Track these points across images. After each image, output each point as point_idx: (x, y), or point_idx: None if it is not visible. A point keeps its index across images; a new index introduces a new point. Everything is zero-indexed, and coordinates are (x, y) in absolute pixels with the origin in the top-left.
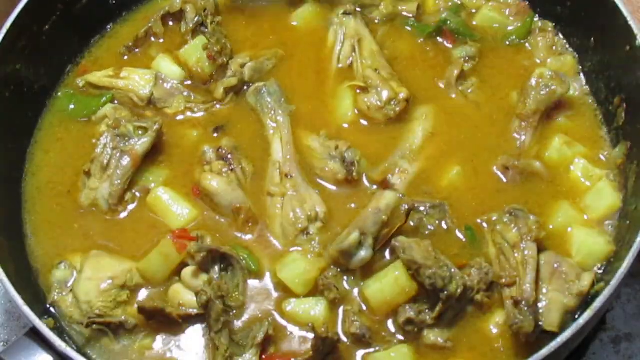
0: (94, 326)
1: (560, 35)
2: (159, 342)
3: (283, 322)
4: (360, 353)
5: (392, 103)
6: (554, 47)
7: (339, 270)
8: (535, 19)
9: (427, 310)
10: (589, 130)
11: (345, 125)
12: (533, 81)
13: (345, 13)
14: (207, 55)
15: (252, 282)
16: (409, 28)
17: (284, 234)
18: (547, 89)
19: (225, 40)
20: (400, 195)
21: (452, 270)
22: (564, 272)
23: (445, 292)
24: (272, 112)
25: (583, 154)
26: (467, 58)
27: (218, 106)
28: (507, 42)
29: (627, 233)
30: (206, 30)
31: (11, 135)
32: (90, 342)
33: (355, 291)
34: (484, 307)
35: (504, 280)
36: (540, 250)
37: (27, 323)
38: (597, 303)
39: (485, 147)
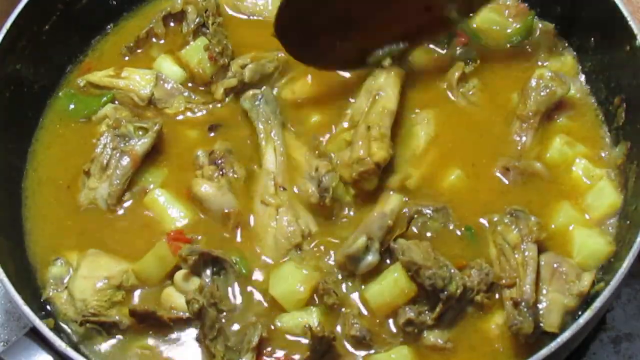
0: (88, 325)
1: (560, 36)
2: (151, 343)
3: (278, 324)
4: (360, 355)
5: (360, 163)
6: (554, 48)
7: (339, 276)
8: (535, 20)
9: (427, 311)
10: (590, 130)
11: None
12: (533, 82)
13: (381, 67)
14: (208, 56)
15: (245, 287)
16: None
17: (276, 247)
18: (548, 90)
19: (227, 41)
20: (405, 199)
21: (452, 270)
22: (564, 272)
23: (445, 293)
24: (267, 121)
25: (584, 154)
26: (468, 60)
27: (218, 106)
28: (508, 44)
29: (627, 233)
30: (207, 31)
31: (11, 135)
32: (83, 341)
33: (354, 295)
34: (484, 307)
35: (504, 281)
36: (541, 251)
37: (27, 323)
38: (597, 303)
39: (486, 149)
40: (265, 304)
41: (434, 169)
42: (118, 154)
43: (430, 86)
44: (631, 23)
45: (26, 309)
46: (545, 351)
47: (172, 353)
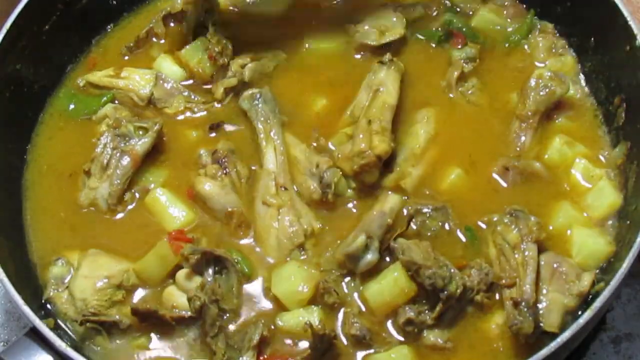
0: (88, 324)
1: (560, 36)
2: (152, 343)
3: (279, 322)
4: (360, 354)
5: (361, 156)
6: (554, 49)
7: (339, 274)
8: (535, 19)
9: (427, 311)
10: (589, 130)
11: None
12: (532, 82)
13: (381, 62)
14: (207, 56)
15: (246, 285)
16: (420, 36)
17: (279, 247)
18: (547, 90)
19: (226, 41)
20: (405, 198)
21: (452, 270)
22: (564, 272)
23: (445, 292)
24: (266, 121)
25: (583, 154)
26: (467, 60)
27: (218, 106)
28: (507, 44)
29: (627, 233)
30: (207, 30)
31: (11, 135)
32: (84, 341)
33: (355, 295)
34: (484, 307)
35: (504, 281)
36: (541, 251)
37: (27, 323)
38: (597, 303)
39: (486, 148)
40: (267, 303)
41: (433, 168)
42: (118, 154)
43: (429, 85)
44: (631, 23)
45: (26, 309)
46: (545, 351)
47: (173, 352)
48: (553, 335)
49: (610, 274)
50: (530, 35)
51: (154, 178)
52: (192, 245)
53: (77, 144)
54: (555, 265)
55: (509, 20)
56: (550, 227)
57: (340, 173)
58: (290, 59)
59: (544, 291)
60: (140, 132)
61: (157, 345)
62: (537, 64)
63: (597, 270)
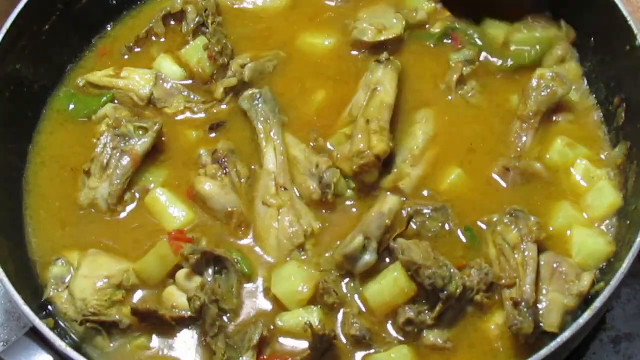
0: (88, 324)
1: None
2: (152, 343)
3: (279, 323)
4: (360, 355)
5: (360, 156)
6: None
7: (339, 275)
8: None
9: (426, 311)
10: (589, 130)
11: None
12: (534, 82)
13: (378, 61)
14: (207, 56)
15: (246, 285)
16: (418, 36)
17: (279, 247)
18: (548, 90)
19: (226, 41)
20: (404, 199)
21: (452, 270)
22: (563, 272)
23: (445, 292)
24: (266, 121)
25: (584, 155)
26: (466, 62)
27: (218, 106)
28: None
29: (627, 233)
30: (207, 30)
31: (11, 135)
32: (84, 341)
33: (355, 295)
34: (484, 307)
35: (504, 282)
36: (541, 251)
37: (27, 323)
38: (597, 303)
39: (486, 149)
40: (267, 303)
41: (432, 168)
42: (118, 154)
43: (428, 86)
44: (631, 23)
45: (26, 309)
46: (545, 351)
47: (173, 352)
48: (553, 335)
49: (610, 274)
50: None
51: (154, 178)
52: (192, 246)
53: (77, 144)
54: (555, 266)
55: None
56: (551, 228)
57: (340, 173)
58: (290, 58)
59: (544, 291)
60: (140, 132)
61: (157, 345)
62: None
63: (597, 271)
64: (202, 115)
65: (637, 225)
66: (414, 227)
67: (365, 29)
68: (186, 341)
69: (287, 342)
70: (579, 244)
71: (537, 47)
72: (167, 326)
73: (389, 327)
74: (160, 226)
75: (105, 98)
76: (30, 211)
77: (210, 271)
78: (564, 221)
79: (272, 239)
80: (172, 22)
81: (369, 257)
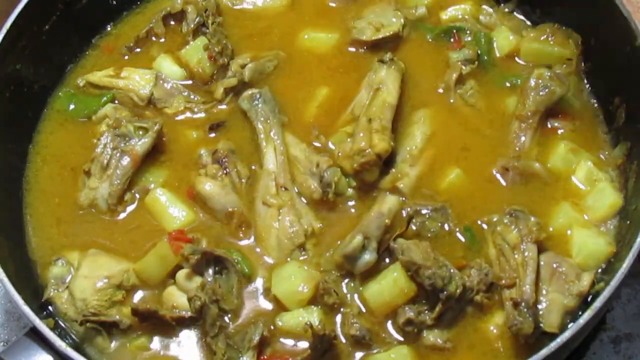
0: (88, 324)
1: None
2: (152, 343)
3: (279, 323)
4: (359, 355)
5: (361, 154)
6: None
7: (339, 275)
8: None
9: (426, 311)
10: (589, 130)
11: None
12: (532, 82)
13: (381, 61)
14: (207, 56)
15: (246, 285)
16: (417, 30)
17: (279, 247)
18: (546, 90)
19: (226, 41)
20: (403, 199)
21: (452, 270)
22: (563, 272)
23: (445, 292)
24: (266, 121)
25: (587, 158)
26: (465, 62)
27: (218, 107)
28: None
29: (627, 233)
30: (207, 30)
31: (11, 135)
32: (84, 341)
33: (355, 295)
34: (483, 308)
35: (503, 282)
36: (541, 251)
37: (27, 323)
38: (597, 303)
39: (485, 149)
40: (268, 303)
41: (431, 168)
42: (118, 154)
43: (426, 85)
44: (631, 23)
45: (26, 309)
46: (545, 351)
47: (173, 352)
48: (553, 336)
49: (610, 274)
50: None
51: (154, 178)
52: (192, 246)
53: (77, 144)
54: (555, 266)
55: (551, 42)
56: (550, 229)
57: (340, 172)
58: (290, 57)
59: (544, 291)
60: (140, 132)
61: (157, 345)
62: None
63: (598, 270)
64: (202, 115)
65: (637, 225)
66: (414, 227)
67: (364, 28)
68: (186, 341)
69: (287, 342)
70: (579, 245)
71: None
72: (168, 326)
73: (389, 327)
74: (161, 226)
75: (105, 98)
76: (30, 211)
77: (211, 271)
78: (564, 221)
79: (272, 238)
80: (172, 22)
81: (368, 257)
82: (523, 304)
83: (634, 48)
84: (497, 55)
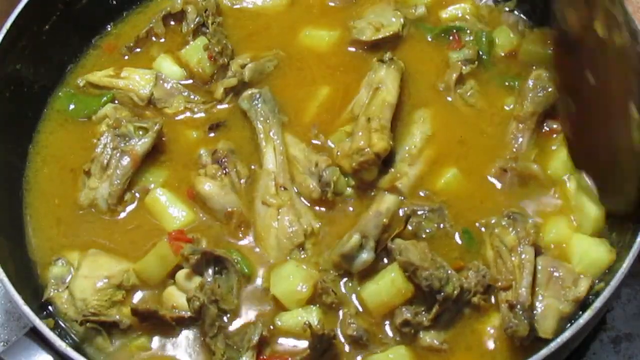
0: (88, 324)
1: None
2: (152, 343)
3: (278, 322)
4: (357, 355)
5: (360, 153)
6: None
7: (337, 274)
8: None
9: (423, 312)
10: None
11: None
12: (530, 83)
13: (381, 61)
14: (207, 56)
15: (246, 286)
16: (417, 29)
17: (278, 247)
18: (544, 91)
19: (226, 41)
20: (402, 198)
21: (449, 271)
22: (560, 277)
23: (442, 294)
24: (266, 121)
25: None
26: (465, 61)
27: (218, 106)
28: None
29: (627, 233)
30: (207, 30)
31: (11, 135)
32: (84, 341)
33: (353, 295)
34: (480, 309)
35: (500, 284)
36: (538, 254)
37: (27, 323)
38: (597, 303)
39: (484, 150)
40: (267, 303)
41: (429, 168)
42: (118, 154)
43: (426, 85)
44: (632, 24)
45: (26, 309)
46: (545, 351)
47: (173, 352)
48: (547, 340)
49: (610, 274)
50: None
51: (154, 178)
52: (192, 246)
53: (77, 144)
54: (551, 270)
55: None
56: (552, 234)
57: (339, 172)
58: (290, 57)
59: (540, 297)
60: (140, 132)
61: (157, 345)
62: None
63: (595, 277)
64: (202, 115)
65: (637, 226)
66: (410, 227)
67: (364, 28)
68: (186, 341)
69: (287, 342)
70: (579, 253)
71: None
72: (167, 326)
73: (386, 327)
74: (160, 226)
75: (105, 98)
76: (30, 211)
77: (210, 271)
78: (562, 228)
79: (271, 238)
80: (172, 22)
81: (366, 256)
82: (519, 306)
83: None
84: (498, 54)
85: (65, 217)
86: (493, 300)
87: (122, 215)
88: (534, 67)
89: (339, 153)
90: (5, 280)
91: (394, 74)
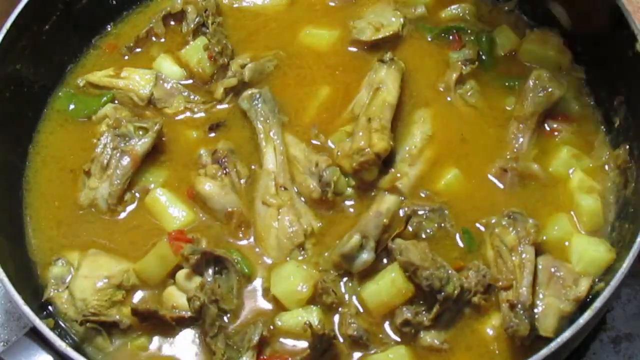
0: (88, 324)
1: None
2: (152, 343)
3: (278, 322)
4: (357, 355)
5: (360, 153)
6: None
7: (337, 274)
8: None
9: (424, 312)
10: (589, 132)
11: None
12: (530, 83)
13: (381, 61)
14: (207, 56)
15: (245, 285)
16: (417, 30)
17: (279, 247)
18: (545, 91)
19: (226, 41)
20: (402, 199)
21: (449, 271)
22: (561, 277)
23: (443, 294)
24: (266, 121)
25: (588, 164)
26: (465, 62)
27: (218, 106)
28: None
29: (627, 233)
30: (207, 30)
31: (11, 135)
32: (84, 341)
33: (353, 295)
34: (481, 309)
35: (500, 283)
36: (538, 253)
37: (27, 323)
38: (597, 303)
39: (484, 150)
40: (267, 303)
41: (430, 168)
42: (118, 154)
43: (426, 85)
44: (632, 24)
45: (26, 309)
46: (545, 351)
47: (173, 352)
48: (548, 339)
49: (610, 274)
50: None
51: (154, 178)
52: (192, 246)
53: (77, 144)
54: (552, 270)
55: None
56: (553, 232)
57: (339, 172)
58: (290, 57)
59: (541, 295)
60: (140, 132)
61: (157, 345)
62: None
63: (596, 279)
64: (202, 115)
65: (637, 226)
66: (410, 228)
67: (364, 28)
68: (186, 341)
69: (287, 342)
70: (579, 252)
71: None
72: (167, 326)
73: (386, 327)
74: (160, 226)
75: (105, 98)
76: (30, 211)
77: (210, 271)
78: (562, 227)
79: (272, 238)
80: (172, 22)
81: (366, 256)
82: (519, 305)
83: (633, 49)
84: (498, 54)
85: (65, 217)
86: (494, 300)
87: (122, 215)
88: (534, 67)
89: (339, 153)
90: (5, 280)
91: (395, 74)
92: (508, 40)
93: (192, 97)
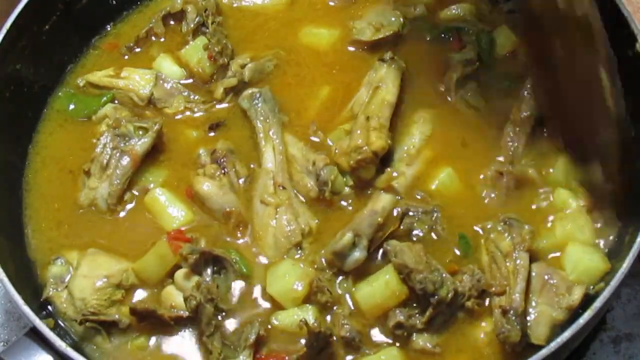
0: (87, 324)
1: None
2: (151, 342)
3: (274, 321)
4: (349, 357)
5: (358, 152)
6: None
7: (332, 273)
8: None
9: (417, 315)
10: None
11: None
12: (527, 85)
13: (382, 60)
14: (207, 56)
15: (243, 285)
16: (417, 29)
17: (276, 246)
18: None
19: (226, 41)
20: (398, 198)
21: (444, 275)
22: (554, 284)
23: (436, 297)
24: (265, 120)
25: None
26: (465, 62)
27: (218, 106)
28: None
29: (627, 233)
30: (207, 30)
31: (11, 135)
32: (84, 340)
33: (346, 295)
34: (474, 313)
35: (494, 289)
36: (533, 260)
37: (27, 323)
38: (597, 303)
39: (482, 152)
40: (264, 302)
41: (427, 169)
42: (118, 154)
43: (426, 85)
44: (632, 24)
45: (26, 309)
46: (545, 351)
47: (172, 351)
48: (539, 347)
49: (610, 274)
50: None
51: (153, 178)
52: (191, 245)
53: (77, 144)
54: (546, 277)
55: None
56: (545, 241)
57: (337, 171)
58: (290, 57)
59: (533, 303)
60: (140, 132)
61: (155, 344)
62: None
63: (590, 287)
64: (202, 114)
65: (637, 226)
66: (402, 227)
67: (364, 28)
68: (185, 341)
69: (284, 341)
70: (573, 261)
71: None
72: (166, 326)
73: (379, 329)
74: (160, 226)
75: (105, 98)
76: (30, 211)
77: (209, 271)
78: (557, 234)
79: (269, 237)
80: (172, 22)
81: (358, 254)
82: (511, 312)
83: (634, 49)
84: (498, 54)
85: (65, 216)
86: (487, 304)
87: (122, 214)
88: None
89: (337, 151)
90: (5, 280)
91: (395, 73)
92: (508, 40)
93: (192, 96)
